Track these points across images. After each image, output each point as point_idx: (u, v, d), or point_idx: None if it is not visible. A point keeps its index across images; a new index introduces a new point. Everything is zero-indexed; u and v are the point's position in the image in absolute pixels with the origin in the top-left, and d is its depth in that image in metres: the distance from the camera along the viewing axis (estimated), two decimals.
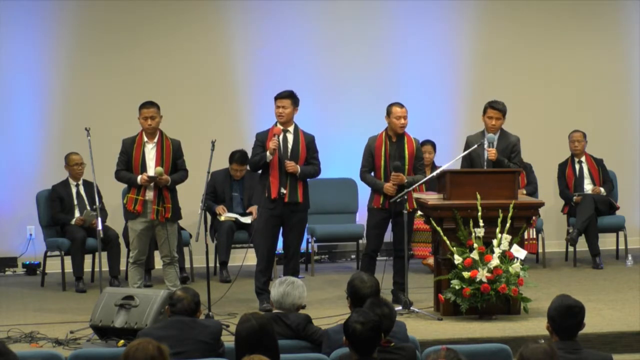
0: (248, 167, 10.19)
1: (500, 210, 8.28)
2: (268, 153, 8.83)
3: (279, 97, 9.00)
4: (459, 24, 12.13)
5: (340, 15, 11.88)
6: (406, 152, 9.03)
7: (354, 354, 5.23)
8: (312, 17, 11.87)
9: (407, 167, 9.00)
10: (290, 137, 8.98)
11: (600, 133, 11.96)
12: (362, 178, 9.23)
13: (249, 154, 9.35)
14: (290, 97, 8.98)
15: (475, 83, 12.01)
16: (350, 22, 11.89)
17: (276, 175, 8.86)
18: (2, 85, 11.33)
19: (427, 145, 11.16)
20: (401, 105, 9.04)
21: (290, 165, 8.86)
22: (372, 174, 9.15)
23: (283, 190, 8.84)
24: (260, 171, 9.10)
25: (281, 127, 8.96)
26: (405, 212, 8.63)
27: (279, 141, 8.87)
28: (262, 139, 8.98)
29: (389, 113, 9.05)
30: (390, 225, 9.12)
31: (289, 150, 8.94)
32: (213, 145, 8.73)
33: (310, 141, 9.07)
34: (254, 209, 10.39)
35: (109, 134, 10.17)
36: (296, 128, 9.04)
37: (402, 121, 9.01)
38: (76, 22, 11.45)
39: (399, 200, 8.74)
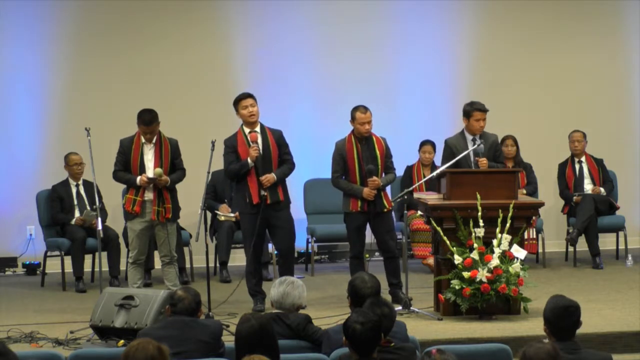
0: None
1: (500, 210, 8.27)
2: (249, 160, 8.69)
3: (242, 98, 8.79)
4: (459, 25, 12.13)
5: (340, 17, 11.87)
6: (377, 152, 8.92)
7: (354, 354, 5.23)
8: (312, 19, 11.86)
9: (380, 167, 8.93)
10: (259, 139, 8.82)
11: (600, 133, 11.95)
12: (335, 184, 9.03)
13: None
14: (252, 96, 8.82)
15: (475, 84, 12.00)
16: (350, 24, 11.87)
17: (254, 180, 8.71)
18: (2, 85, 11.33)
19: (427, 145, 11.15)
20: (364, 111, 8.86)
21: (266, 180, 8.67)
22: (343, 178, 9.01)
23: (263, 193, 8.71)
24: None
25: (255, 131, 8.79)
26: (385, 210, 8.76)
27: (258, 146, 8.73)
28: (233, 146, 8.79)
29: (353, 118, 8.91)
30: (372, 228, 8.99)
31: (260, 152, 8.76)
32: (213, 145, 8.73)
33: (279, 137, 8.89)
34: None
35: (109, 134, 10.16)
36: (262, 127, 8.86)
37: (367, 127, 8.85)
38: (76, 23, 11.45)
39: (399, 200, 8.78)
